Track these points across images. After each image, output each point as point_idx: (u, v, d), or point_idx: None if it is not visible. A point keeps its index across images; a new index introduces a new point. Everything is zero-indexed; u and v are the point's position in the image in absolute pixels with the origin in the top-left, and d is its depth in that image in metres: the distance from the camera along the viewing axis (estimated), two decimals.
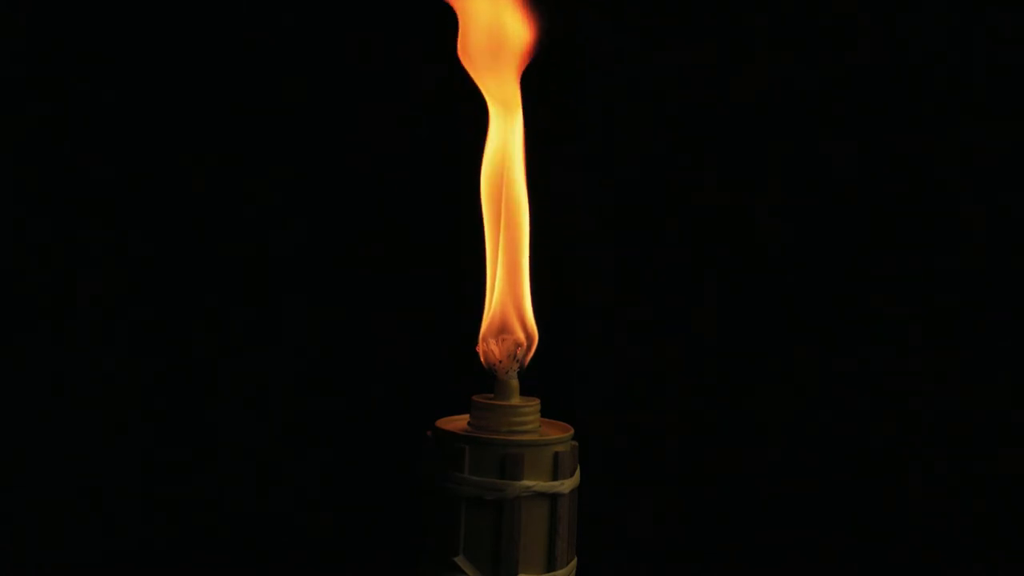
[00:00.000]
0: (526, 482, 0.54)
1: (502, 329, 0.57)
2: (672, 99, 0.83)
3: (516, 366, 0.57)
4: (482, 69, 0.59)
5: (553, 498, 0.54)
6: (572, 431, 0.56)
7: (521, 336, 0.57)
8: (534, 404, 0.57)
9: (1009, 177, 0.83)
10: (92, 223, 0.80)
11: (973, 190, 0.83)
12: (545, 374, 0.59)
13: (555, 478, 0.54)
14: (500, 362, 0.57)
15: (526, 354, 0.58)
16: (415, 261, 0.83)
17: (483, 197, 0.59)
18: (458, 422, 0.57)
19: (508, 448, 0.54)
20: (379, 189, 0.83)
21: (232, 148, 0.82)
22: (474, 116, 0.60)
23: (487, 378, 0.57)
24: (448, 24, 0.60)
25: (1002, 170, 0.83)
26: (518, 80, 0.58)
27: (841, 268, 0.83)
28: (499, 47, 0.58)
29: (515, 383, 0.57)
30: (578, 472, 0.56)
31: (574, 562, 0.57)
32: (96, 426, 0.81)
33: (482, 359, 0.57)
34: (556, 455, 0.54)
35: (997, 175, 0.83)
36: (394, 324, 0.83)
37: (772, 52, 0.82)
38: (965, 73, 0.82)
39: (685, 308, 0.84)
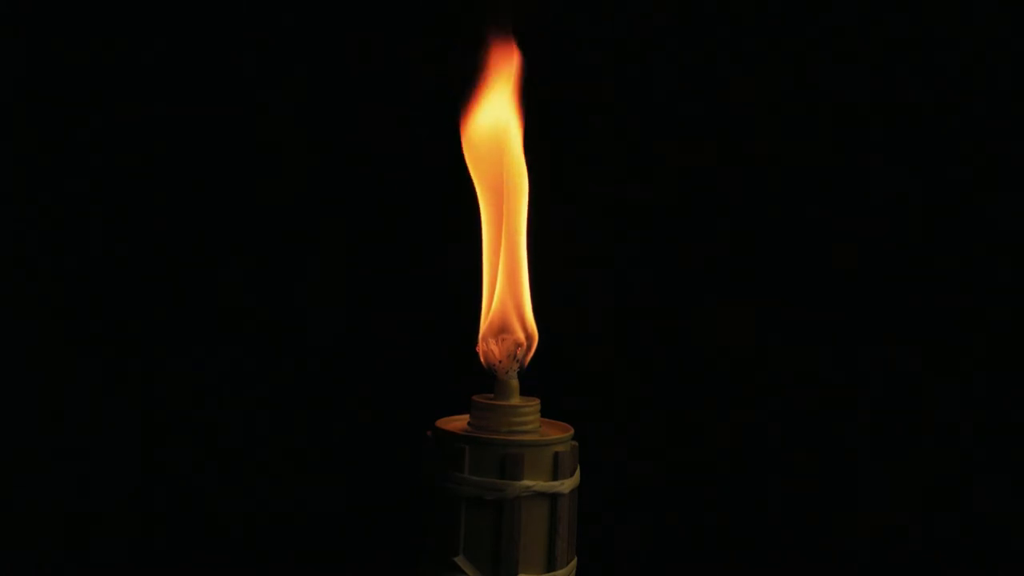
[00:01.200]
0: (526, 482, 0.54)
1: (502, 329, 0.57)
2: (675, 95, 0.83)
3: (516, 366, 0.57)
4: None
5: (553, 498, 0.54)
6: (572, 431, 0.56)
7: (521, 336, 0.57)
8: (534, 404, 0.57)
9: None
10: (93, 218, 0.80)
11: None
12: (545, 374, 0.59)
13: (555, 478, 0.55)
14: (500, 362, 0.57)
15: (526, 354, 0.58)
16: (415, 261, 0.83)
17: (482, 199, 0.59)
18: (458, 422, 0.57)
19: (508, 448, 0.54)
20: (379, 189, 0.83)
21: (232, 148, 0.81)
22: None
23: (487, 378, 0.57)
24: (448, 23, 0.60)
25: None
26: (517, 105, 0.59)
27: (840, 266, 0.83)
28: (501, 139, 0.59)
29: (515, 383, 0.57)
30: (578, 472, 0.56)
31: (574, 562, 0.57)
32: (95, 425, 0.81)
33: (482, 359, 0.57)
34: (556, 455, 0.55)
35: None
36: (394, 324, 0.83)
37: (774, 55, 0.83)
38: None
39: (685, 308, 0.84)
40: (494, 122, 0.59)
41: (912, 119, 0.82)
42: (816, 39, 0.82)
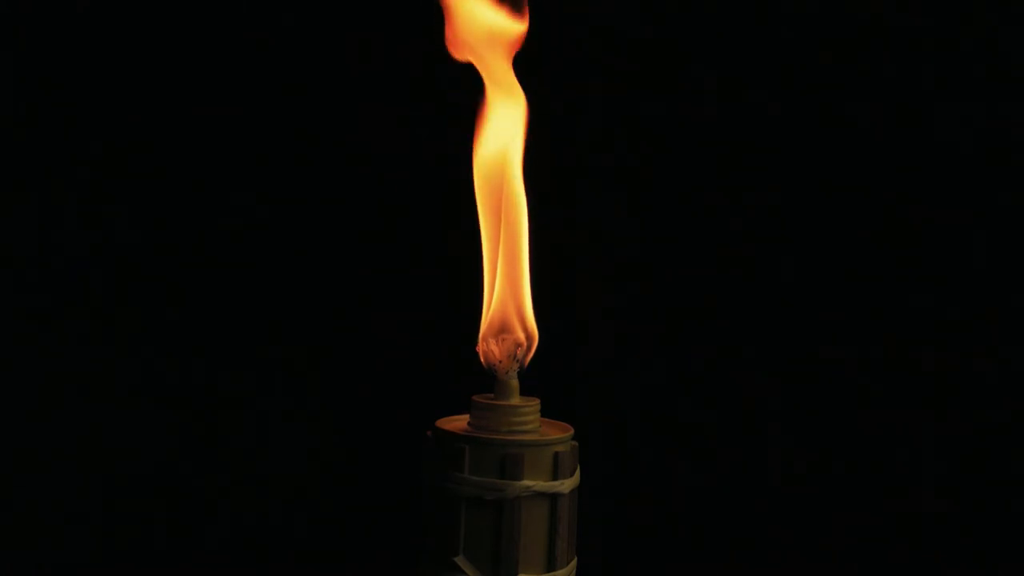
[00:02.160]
0: (526, 482, 0.54)
1: (502, 329, 0.57)
2: (677, 95, 0.83)
3: (516, 366, 0.57)
4: (482, 55, 0.59)
5: (553, 498, 0.54)
6: (572, 431, 0.56)
7: (521, 336, 0.57)
8: (534, 404, 0.57)
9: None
10: (95, 220, 0.80)
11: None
12: (545, 374, 0.59)
13: (555, 478, 0.55)
14: (500, 362, 0.57)
15: (526, 354, 0.58)
16: (415, 261, 0.83)
17: (481, 197, 0.59)
18: (458, 422, 0.57)
19: (508, 448, 0.54)
20: (379, 189, 0.83)
21: (232, 148, 0.81)
22: (474, 114, 0.60)
23: (487, 378, 0.57)
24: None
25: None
26: (511, 70, 0.59)
27: (841, 265, 0.84)
28: (493, 35, 0.59)
29: (515, 383, 0.57)
30: (578, 472, 0.56)
31: (574, 562, 0.57)
32: (96, 426, 0.81)
33: (482, 359, 0.57)
34: (556, 455, 0.55)
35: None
36: (394, 324, 0.83)
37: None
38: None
39: (686, 308, 0.84)
40: (497, 124, 0.59)
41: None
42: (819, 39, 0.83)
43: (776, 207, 0.83)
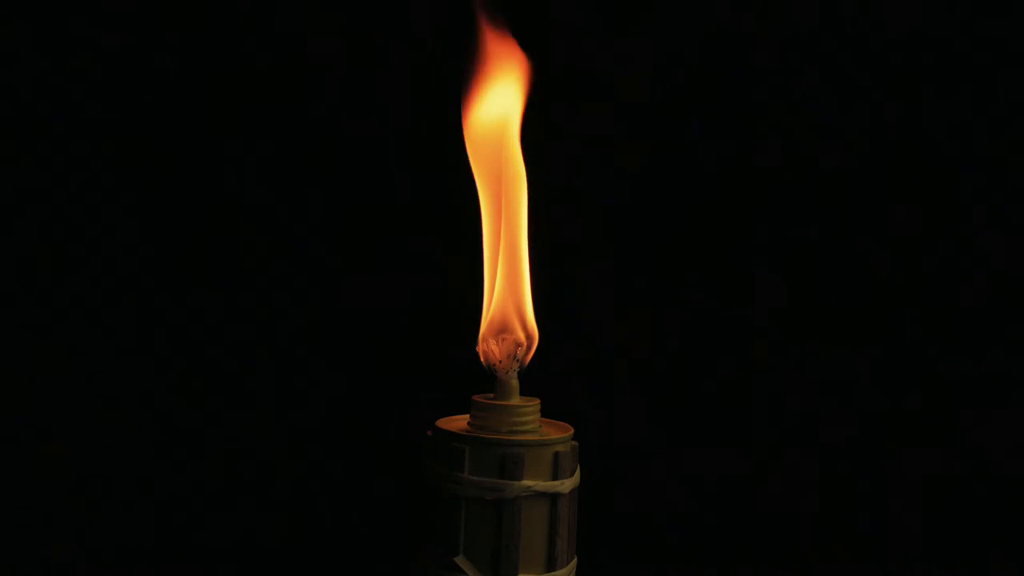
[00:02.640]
0: (526, 482, 0.54)
1: (502, 329, 0.58)
2: (676, 96, 0.83)
3: (516, 366, 0.57)
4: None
5: (553, 498, 0.55)
6: (572, 431, 0.56)
7: (521, 336, 0.58)
8: (534, 404, 0.57)
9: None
10: (95, 219, 0.80)
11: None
12: (545, 374, 0.59)
13: (555, 478, 0.55)
14: (500, 362, 0.57)
15: (526, 354, 0.58)
16: (415, 261, 0.83)
17: (482, 197, 0.59)
18: (458, 422, 0.57)
19: (508, 448, 0.54)
20: (379, 188, 0.83)
21: (232, 148, 0.81)
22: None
23: (487, 378, 0.57)
24: (449, 25, 0.60)
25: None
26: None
27: (841, 265, 0.84)
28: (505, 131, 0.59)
29: (515, 383, 0.57)
30: (578, 472, 0.56)
31: (574, 562, 0.57)
32: (95, 425, 0.81)
33: (482, 359, 0.57)
34: (556, 455, 0.55)
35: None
36: (394, 324, 0.83)
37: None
38: None
39: (686, 308, 0.84)
40: (494, 117, 0.59)
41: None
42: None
43: (777, 207, 0.83)
